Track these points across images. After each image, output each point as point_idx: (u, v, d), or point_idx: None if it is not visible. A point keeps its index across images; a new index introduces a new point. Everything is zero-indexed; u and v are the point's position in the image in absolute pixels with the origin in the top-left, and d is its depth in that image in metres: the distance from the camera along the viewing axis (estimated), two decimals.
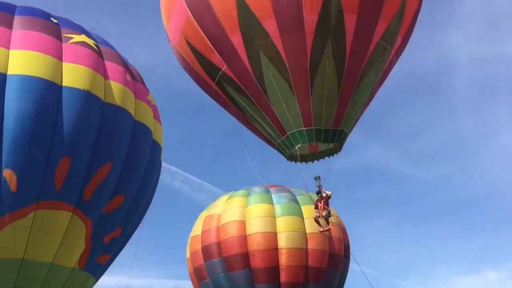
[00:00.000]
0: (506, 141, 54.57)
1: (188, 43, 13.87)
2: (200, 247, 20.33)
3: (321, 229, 14.24)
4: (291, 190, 21.35)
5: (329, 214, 13.70)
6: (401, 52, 14.57)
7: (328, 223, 13.94)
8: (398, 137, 57.49)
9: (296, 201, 20.43)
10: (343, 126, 13.51)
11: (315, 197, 16.97)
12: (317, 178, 13.85)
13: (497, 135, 55.81)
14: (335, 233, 19.77)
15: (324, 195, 13.77)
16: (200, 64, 14.09)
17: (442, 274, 52.50)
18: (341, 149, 13.92)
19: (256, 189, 21.07)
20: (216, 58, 13.50)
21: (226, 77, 13.65)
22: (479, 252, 51.69)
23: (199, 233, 20.68)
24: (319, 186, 13.81)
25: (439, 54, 53.95)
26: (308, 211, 19.79)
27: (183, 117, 57.30)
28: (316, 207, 13.86)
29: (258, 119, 13.90)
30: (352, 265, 21.13)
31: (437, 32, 49.26)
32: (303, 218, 19.82)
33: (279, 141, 13.77)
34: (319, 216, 13.72)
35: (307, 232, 19.54)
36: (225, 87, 13.99)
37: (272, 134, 13.89)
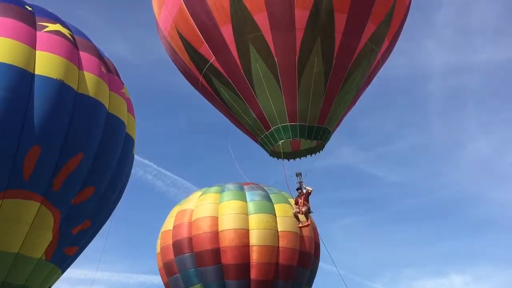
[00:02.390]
0: (474, 149, 56.09)
1: (179, 34, 13.75)
2: (171, 242, 20.17)
3: (300, 225, 14.37)
4: (265, 188, 21.45)
5: (309, 210, 13.84)
6: (388, 56, 14.81)
7: (307, 218, 14.08)
8: (370, 140, 58.30)
9: (269, 199, 20.53)
10: (327, 124, 13.62)
11: (289, 196, 16.87)
12: (298, 175, 13.94)
13: (466, 143, 57.25)
14: (306, 231, 19.89)
15: (304, 191, 13.88)
16: (189, 55, 13.97)
17: (409, 277, 53.53)
18: (323, 147, 13.97)
19: (230, 186, 21.07)
20: (205, 49, 13.40)
21: (214, 69, 13.57)
22: (445, 256, 52.87)
23: (171, 227, 20.52)
24: (300, 183, 13.90)
25: (414, 61, 54.88)
26: (281, 209, 20.00)
27: (159, 112, 56.86)
28: (296, 203, 13.95)
29: (243, 113, 13.88)
30: (321, 264, 21.36)
31: (412, 39, 49.99)
32: (276, 216, 19.93)
33: (262, 136, 13.79)
34: (298, 212, 13.83)
35: (279, 230, 19.68)
36: (211, 79, 13.90)
37: (256, 129, 13.88)
